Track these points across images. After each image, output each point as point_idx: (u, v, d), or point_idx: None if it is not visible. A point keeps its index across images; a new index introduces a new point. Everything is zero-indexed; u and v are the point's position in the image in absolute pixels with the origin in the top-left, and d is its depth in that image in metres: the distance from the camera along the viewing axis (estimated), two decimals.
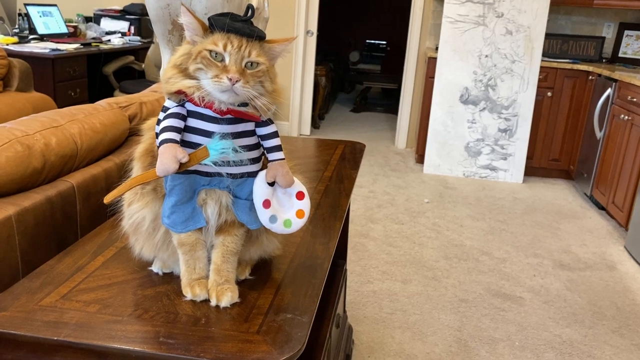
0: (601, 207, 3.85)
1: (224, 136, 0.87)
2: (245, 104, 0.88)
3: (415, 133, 5.06)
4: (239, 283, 0.97)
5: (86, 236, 1.14)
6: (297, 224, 0.97)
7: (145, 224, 0.96)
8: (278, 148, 0.95)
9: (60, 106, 3.36)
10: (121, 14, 4.94)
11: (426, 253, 3.03)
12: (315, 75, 5.55)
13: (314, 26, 5.08)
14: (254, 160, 0.93)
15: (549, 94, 4.32)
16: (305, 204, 0.98)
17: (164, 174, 0.84)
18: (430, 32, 4.89)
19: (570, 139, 4.38)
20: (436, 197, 3.97)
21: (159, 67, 4.53)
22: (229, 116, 0.87)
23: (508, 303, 2.55)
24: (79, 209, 1.29)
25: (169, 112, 0.88)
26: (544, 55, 4.22)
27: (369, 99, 7.27)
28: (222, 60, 0.84)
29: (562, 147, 4.42)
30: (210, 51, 0.84)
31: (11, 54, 3.48)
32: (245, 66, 0.85)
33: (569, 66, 4.25)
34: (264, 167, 0.96)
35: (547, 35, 4.46)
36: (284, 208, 0.97)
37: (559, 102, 4.33)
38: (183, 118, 0.88)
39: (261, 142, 0.94)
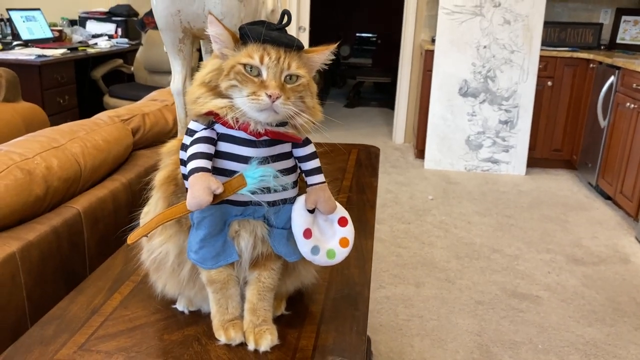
0: (608, 197, 3.79)
1: (261, 161, 0.77)
2: (283, 123, 0.77)
3: (413, 128, 4.97)
4: (275, 320, 0.87)
5: (98, 269, 1.03)
6: (342, 254, 0.87)
7: (169, 259, 0.86)
8: (318, 170, 0.85)
9: (49, 114, 3.23)
10: (107, 16, 4.79)
11: (436, 253, 2.95)
12: None
13: (306, 22, 4.97)
14: (292, 184, 0.83)
15: (549, 83, 4.25)
16: (349, 231, 0.88)
17: (197, 208, 0.74)
18: (425, 24, 4.80)
19: (572, 129, 4.31)
20: (440, 194, 3.89)
21: (149, 69, 4.39)
22: (265, 138, 0.77)
23: (526, 303, 2.48)
24: (87, 236, 1.18)
25: (197, 136, 0.78)
26: (542, 44, 4.14)
27: (362, 93, 7.17)
28: (259, 74, 0.75)
29: (563, 137, 4.36)
30: (245, 65, 0.74)
31: None
32: (284, 80, 0.76)
33: (568, 54, 4.18)
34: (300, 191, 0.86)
35: (545, 24, 4.38)
36: (326, 237, 0.87)
37: (560, 91, 4.26)
38: (213, 142, 0.78)
39: (299, 165, 0.84)
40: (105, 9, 4.85)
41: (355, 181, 1.55)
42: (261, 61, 0.74)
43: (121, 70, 4.62)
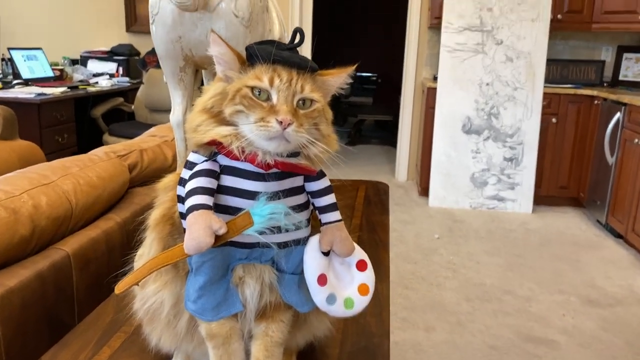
0: (618, 235, 3.68)
1: (270, 196, 0.69)
2: (295, 154, 0.69)
3: (416, 165, 4.91)
4: None
5: (86, 319, 0.93)
6: (361, 303, 0.77)
7: (164, 309, 0.76)
8: (334, 207, 0.76)
9: (47, 153, 3.16)
10: (109, 55, 4.78)
11: (446, 295, 2.83)
12: None
13: None
14: (305, 224, 0.74)
15: (554, 120, 4.20)
16: (369, 277, 0.78)
17: (196, 251, 0.64)
18: (426, 63, 4.79)
19: (578, 166, 4.24)
20: (446, 232, 3.78)
21: (149, 108, 4.35)
22: (275, 170, 0.68)
23: (542, 348, 2.35)
24: (76, 280, 1.09)
25: (196, 169, 0.69)
26: (544, 81, 4.12)
27: (363, 131, 7.15)
28: (268, 98, 0.66)
29: (570, 174, 4.28)
30: (253, 88, 0.66)
31: None
32: (297, 105, 0.67)
33: (572, 91, 4.15)
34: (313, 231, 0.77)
35: (547, 61, 4.37)
36: (343, 283, 0.77)
37: (564, 128, 4.21)
38: (215, 176, 0.69)
39: (312, 200, 0.75)
40: (107, 48, 4.85)
41: (365, 219, 1.46)
42: (271, 83, 0.66)
43: (121, 109, 4.58)
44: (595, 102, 4.04)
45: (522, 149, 4.18)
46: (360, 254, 0.79)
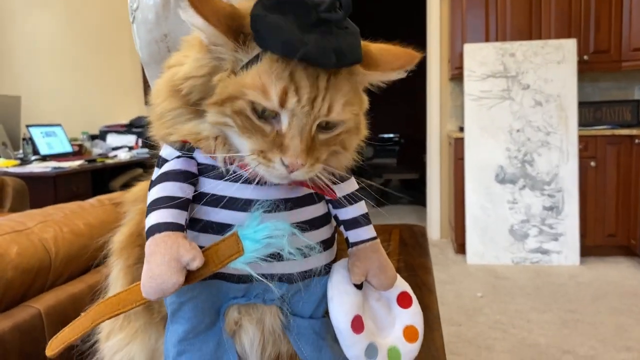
0: None
1: (270, 207, 0.48)
2: None
3: (449, 222, 4.65)
4: None
5: None
6: (409, 353, 0.55)
7: None
8: (365, 220, 0.55)
9: None
10: (127, 128, 4.77)
11: (498, 359, 2.51)
12: None
13: None
14: (324, 244, 0.53)
15: (593, 163, 3.95)
16: (416, 315, 0.57)
17: (158, 295, 0.44)
18: (451, 115, 4.64)
19: (626, 211, 3.93)
20: (489, 290, 3.47)
21: None
22: None
23: None
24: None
25: (164, 170, 0.49)
26: (578, 124, 3.91)
27: (390, 192, 6.95)
28: (275, 118, 0.45)
29: (617, 220, 3.97)
30: (254, 104, 0.44)
31: (8, 175, 3.20)
32: (319, 129, 0.46)
33: (609, 132, 3.92)
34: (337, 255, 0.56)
35: (578, 105, 4.18)
36: (383, 327, 0.55)
37: (605, 171, 3.95)
38: (191, 179, 0.49)
39: (333, 212, 0.54)
40: (126, 122, 4.84)
41: (403, 262, 1.23)
42: (282, 104, 0.44)
43: (140, 180, 4.49)
44: (636, 141, 3.80)
45: (562, 196, 3.91)
46: (402, 284, 0.58)
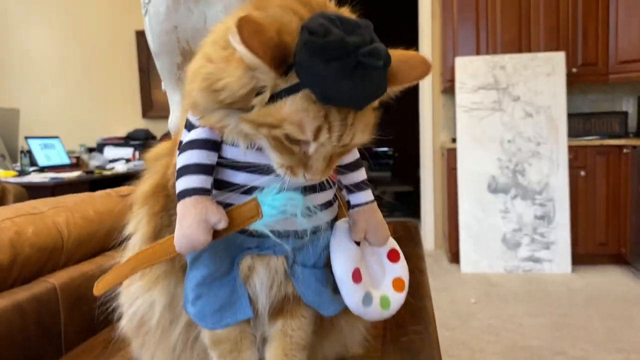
0: None
1: (284, 181, 0.54)
2: None
3: (443, 232, 4.71)
4: None
5: (69, 354, 0.77)
6: (397, 301, 0.61)
7: (154, 313, 0.60)
8: (364, 185, 0.61)
9: None
10: (125, 141, 4.82)
11: None
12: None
13: None
14: (328, 204, 0.59)
15: (583, 173, 4.03)
16: (403, 268, 0.63)
17: (189, 250, 0.51)
18: (443, 127, 4.73)
19: (615, 219, 4.01)
20: (483, 297, 3.52)
21: None
22: None
23: None
24: (64, 319, 0.93)
25: (191, 137, 0.55)
26: (567, 135, 4.00)
27: (384, 205, 7.01)
28: (304, 143, 0.51)
29: (607, 228, 4.04)
30: (288, 135, 0.50)
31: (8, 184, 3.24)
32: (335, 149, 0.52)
33: (598, 142, 4.01)
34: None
35: (567, 116, 4.28)
36: (376, 279, 0.62)
37: (595, 180, 4.03)
38: (215, 147, 0.55)
39: (337, 177, 0.60)
40: (124, 135, 4.89)
41: None
42: (315, 138, 0.49)
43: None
44: (625, 151, 3.89)
45: (553, 205, 3.98)
46: (391, 242, 0.64)
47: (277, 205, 0.53)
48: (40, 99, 5.24)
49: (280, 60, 0.47)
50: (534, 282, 3.80)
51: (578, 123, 4.36)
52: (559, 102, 3.96)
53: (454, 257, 4.25)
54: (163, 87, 0.94)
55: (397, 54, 0.52)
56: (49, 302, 0.90)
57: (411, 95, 5.15)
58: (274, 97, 0.48)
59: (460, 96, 4.08)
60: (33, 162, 4.12)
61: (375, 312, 0.58)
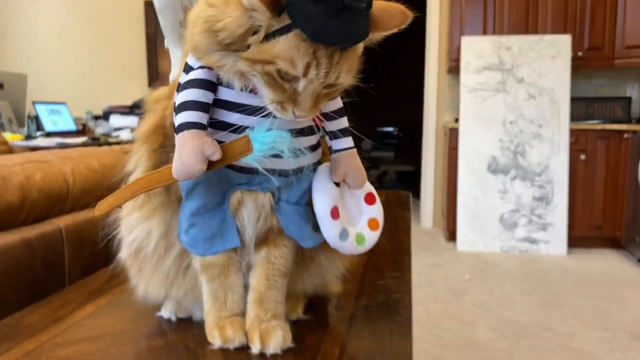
0: None
1: (273, 120, 0.59)
2: None
3: (441, 211, 4.76)
4: (290, 324, 0.65)
5: (73, 285, 0.83)
6: (371, 238, 0.68)
7: (151, 241, 0.66)
8: (346, 132, 0.67)
9: None
10: (130, 110, 4.87)
11: (479, 333, 2.63)
12: None
13: None
14: (313, 148, 0.65)
15: (583, 157, 4.07)
16: (378, 210, 0.69)
17: (186, 177, 0.57)
18: (447, 107, 4.76)
19: (612, 203, 4.05)
20: (477, 274, 3.59)
21: None
22: None
23: None
24: (68, 259, 0.99)
25: (190, 77, 0.60)
26: (570, 119, 4.02)
27: (386, 183, 7.07)
28: (294, 79, 0.56)
29: (604, 212, 4.09)
30: (279, 70, 0.55)
31: (16, 147, 3.32)
32: (322, 89, 0.57)
33: (599, 127, 4.03)
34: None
35: (571, 100, 4.30)
36: (353, 217, 0.68)
37: (595, 164, 4.07)
38: (212, 87, 0.60)
39: (321, 124, 0.66)
40: (129, 103, 4.95)
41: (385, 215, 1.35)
42: (305, 74, 0.55)
43: None
44: (625, 136, 3.91)
45: (552, 187, 4.03)
46: (368, 187, 0.70)
47: (266, 141, 0.58)
48: (48, 65, 5.29)
49: (275, 1, 0.52)
50: (529, 262, 3.86)
51: (581, 107, 4.37)
52: (563, 85, 3.98)
53: (451, 236, 4.31)
54: (166, 44, 0.99)
55: (379, 4, 0.57)
56: (55, 241, 0.97)
57: (417, 74, 5.16)
58: (268, 37, 0.54)
59: (465, 76, 4.10)
60: (40, 127, 4.19)
61: (351, 246, 0.65)
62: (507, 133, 4.06)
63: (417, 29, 4.38)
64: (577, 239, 4.13)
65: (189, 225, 0.62)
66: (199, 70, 0.60)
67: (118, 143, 4.23)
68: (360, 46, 0.59)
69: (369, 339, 0.63)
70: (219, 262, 0.63)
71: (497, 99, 4.06)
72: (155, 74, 5.14)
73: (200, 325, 0.65)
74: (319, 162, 0.67)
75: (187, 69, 0.62)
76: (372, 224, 0.67)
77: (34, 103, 4.16)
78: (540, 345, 2.47)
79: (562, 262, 3.85)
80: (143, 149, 0.66)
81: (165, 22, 0.95)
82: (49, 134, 4.11)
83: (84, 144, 3.80)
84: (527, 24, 4.19)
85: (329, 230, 0.63)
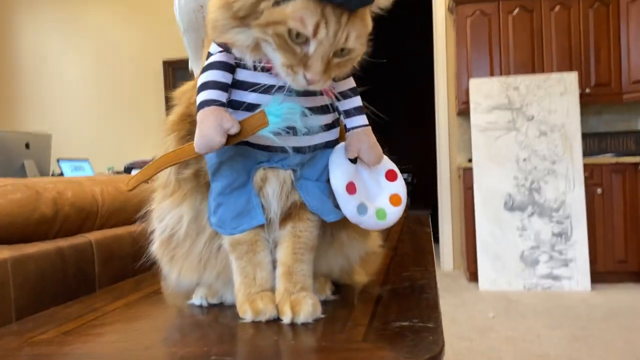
0: None
1: (287, 92, 0.63)
2: None
3: (461, 252, 4.72)
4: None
5: (105, 288, 0.86)
6: (394, 213, 0.69)
7: (182, 226, 0.69)
8: (359, 110, 0.70)
9: None
10: None
11: None
12: None
13: None
14: (328, 127, 0.69)
15: (599, 190, 4.05)
16: (401, 186, 0.71)
17: (206, 150, 0.60)
18: (459, 149, 4.80)
19: (634, 236, 4.00)
20: (501, 312, 3.52)
21: None
22: None
23: None
24: (98, 271, 1.02)
25: (210, 61, 0.66)
26: (583, 154, 4.04)
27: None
28: (305, 43, 0.59)
29: (626, 246, 4.03)
30: (291, 30, 0.58)
31: None
32: (334, 54, 0.61)
33: (614, 160, 4.04)
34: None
35: (583, 135, 4.32)
36: (372, 194, 0.70)
37: (612, 197, 4.04)
38: (230, 69, 0.65)
39: (336, 103, 0.70)
40: (150, 158, 5.07)
41: (407, 228, 1.37)
42: (315, 33, 0.58)
43: None
44: None
45: (570, 222, 3.99)
46: (389, 163, 0.72)
47: (279, 114, 0.62)
48: (71, 123, 5.48)
49: None
50: (553, 298, 3.78)
51: (593, 142, 4.40)
52: (573, 120, 4.02)
53: (473, 276, 4.25)
54: (190, 66, 1.05)
55: None
56: (86, 252, 1.00)
57: (428, 120, 5.23)
58: (279, 2, 0.58)
59: (475, 116, 4.16)
60: None
61: (371, 220, 0.66)
62: (521, 170, 4.07)
63: (426, 71, 4.43)
64: (601, 274, 4.05)
65: (217, 205, 0.65)
66: (218, 54, 0.65)
67: None
68: (369, 18, 0.63)
69: (396, 308, 0.64)
70: (247, 239, 0.65)
71: (509, 137, 4.10)
72: None
73: (232, 307, 0.67)
74: (336, 142, 0.70)
75: (208, 56, 0.67)
76: (394, 199, 0.69)
77: (58, 160, 4.29)
78: None
79: (587, 298, 3.77)
80: (171, 137, 0.70)
81: (189, 42, 1.02)
82: None
83: None
84: (533, 64, 4.28)
85: (346, 204, 0.66)
